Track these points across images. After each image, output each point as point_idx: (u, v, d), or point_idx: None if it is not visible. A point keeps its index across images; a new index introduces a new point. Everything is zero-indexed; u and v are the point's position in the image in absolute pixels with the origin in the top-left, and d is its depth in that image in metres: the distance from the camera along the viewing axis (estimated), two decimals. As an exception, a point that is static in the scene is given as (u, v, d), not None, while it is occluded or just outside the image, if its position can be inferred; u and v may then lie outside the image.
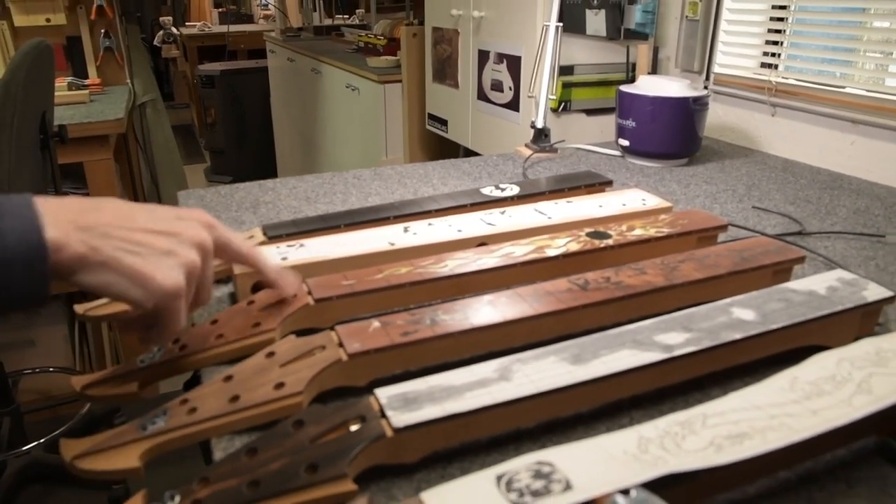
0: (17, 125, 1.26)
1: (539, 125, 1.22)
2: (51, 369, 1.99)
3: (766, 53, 1.30)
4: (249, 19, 5.80)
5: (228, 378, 0.46)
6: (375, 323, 0.51)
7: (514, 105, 1.52)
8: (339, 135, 2.74)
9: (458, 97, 1.79)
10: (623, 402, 0.49)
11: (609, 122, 1.41)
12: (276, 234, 0.71)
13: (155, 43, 5.20)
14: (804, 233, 0.85)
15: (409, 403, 0.42)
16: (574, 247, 0.65)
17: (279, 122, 3.68)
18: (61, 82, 2.04)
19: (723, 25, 1.35)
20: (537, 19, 1.38)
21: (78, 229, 0.40)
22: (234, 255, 0.51)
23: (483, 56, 1.61)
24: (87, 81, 2.23)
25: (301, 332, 0.51)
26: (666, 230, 0.69)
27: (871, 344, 0.48)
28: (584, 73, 1.46)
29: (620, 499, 0.33)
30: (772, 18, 1.28)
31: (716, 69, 1.38)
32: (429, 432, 0.41)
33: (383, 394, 0.43)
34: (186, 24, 5.81)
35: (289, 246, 0.66)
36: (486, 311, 0.53)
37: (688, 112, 1.12)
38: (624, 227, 0.70)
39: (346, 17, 4.58)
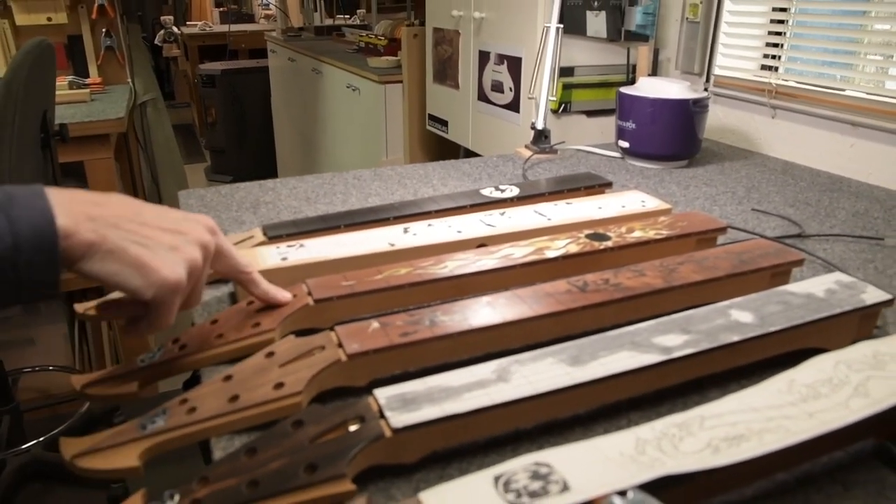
0: (18, 124, 1.26)
1: (539, 126, 1.22)
2: (50, 368, 1.99)
3: (766, 56, 1.31)
4: (250, 19, 5.81)
5: (228, 378, 0.46)
6: (375, 323, 0.51)
7: (514, 106, 1.52)
8: (339, 135, 2.74)
9: (458, 98, 1.79)
10: (621, 403, 0.49)
11: (609, 124, 1.42)
12: (277, 234, 0.71)
13: (156, 42, 5.20)
14: (803, 235, 0.85)
15: (407, 404, 0.42)
16: (573, 248, 0.65)
17: (280, 121, 3.68)
18: (62, 81, 2.04)
19: (723, 27, 1.36)
20: (538, 21, 1.38)
21: (87, 218, 0.41)
22: (229, 265, 0.52)
23: (484, 57, 1.62)
24: (88, 80, 2.23)
25: (301, 333, 0.51)
26: (665, 232, 0.69)
27: (868, 347, 0.49)
28: (585, 75, 1.46)
29: (617, 500, 0.33)
30: (772, 21, 1.28)
31: (716, 71, 1.38)
32: (427, 433, 0.41)
33: (382, 394, 0.43)
34: (187, 23, 5.81)
35: (289, 246, 0.67)
36: (485, 312, 0.53)
37: (688, 114, 1.12)
38: (623, 229, 0.70)
39: (347, 17, 4.58)
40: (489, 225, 0.72)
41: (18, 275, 0.39)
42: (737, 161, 1.22)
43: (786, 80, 1.25)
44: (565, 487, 0.34)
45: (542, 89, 1.23)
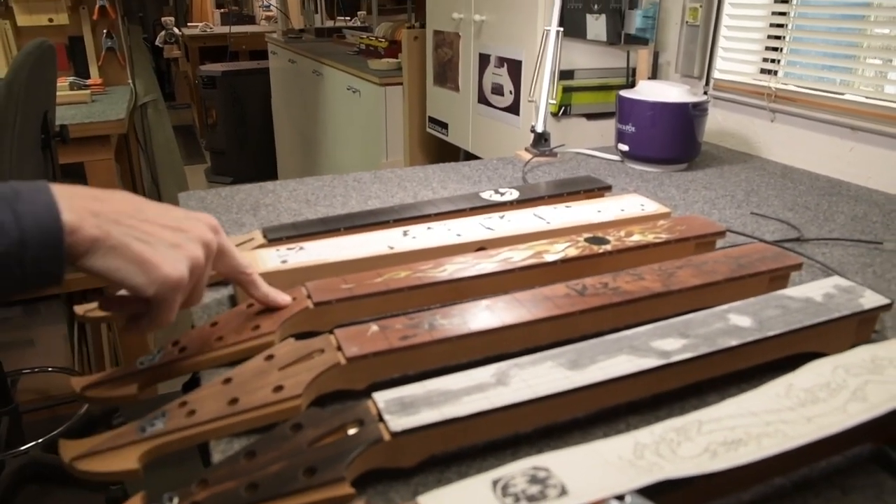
0: (18, 124, 1.26)
1: (539, 129, 1.22)
2: (50, 369, 1.99)
3: (765, 59, 1.31)
4: (251, 20, 5.81)
5: (227, 380, 0.46)
6: (374, 327, 0.51)
7: (514, 109, 1.52)
8: (339, 137, 2.74)
9: (458, 100, 1.79)
10: (620, 407, 0.50)
11: (609, 127, 1.42)
12: (276, 236, 0.72)
13: (157, 43, 5.21)
14: (802, 239, 0.85)
15: (406, 407, 0.42)
16: (572, 252, 0.65)
17: (280, 123, 3.68)
18: (63, 82, 2.04)
19: (723, 31, 1.36)
20: (538, 24, 1.38)
21: (91, 214, 0.42)
22: (230, 265, 0.52)
23: (484, 60, 1.62)
24: (88, 81, 2.23)
25: (300, 336, 0.51)
26: (664, 236, 0.69)
27: (866, 351, 0.49)
28: (585, 78, 1.46)
29: (616, 504, 0.33)
30: (772, 24, 1.29)
31: (716, 75, 1.39)
32: (426, 436, 0.42)
33: (381, 398, 0.43)
34: (188, 24, 5.81)
35: (288, 249, 0.67)
36: (484, 315, 0.53)
37: (687, 117, 1.13)
38: (622, 233, 0.70)
39: (348, 18, 4.59)
40: (488, 228, 0.72)
41: (24, 268, 0.39)
42: (736, 165, 1.22)
43: (785, 84, 1.25)
44: (563, 491, 0.34)
45: (542, 92, 1.23)
